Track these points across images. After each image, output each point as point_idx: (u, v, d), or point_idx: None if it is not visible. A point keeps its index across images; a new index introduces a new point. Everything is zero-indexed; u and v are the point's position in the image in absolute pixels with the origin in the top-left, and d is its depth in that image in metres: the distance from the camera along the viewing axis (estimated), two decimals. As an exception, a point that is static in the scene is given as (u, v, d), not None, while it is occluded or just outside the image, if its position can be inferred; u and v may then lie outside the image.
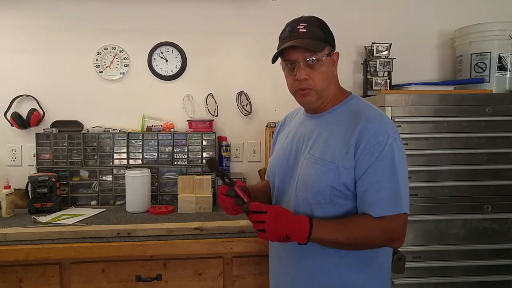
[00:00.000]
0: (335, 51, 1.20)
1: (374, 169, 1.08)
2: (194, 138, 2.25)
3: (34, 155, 2.21)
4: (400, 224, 1.09)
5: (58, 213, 1.97)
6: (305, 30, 1.14)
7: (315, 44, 1.13)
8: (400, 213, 1.08)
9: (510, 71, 2.13)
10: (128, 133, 2.22)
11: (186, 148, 2.24)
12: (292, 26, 1.17)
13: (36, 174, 2.06)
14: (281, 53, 1.17)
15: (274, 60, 1.19)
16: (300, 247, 1.09)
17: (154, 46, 2.33)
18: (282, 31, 1.19)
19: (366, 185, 1.09)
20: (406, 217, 1.10)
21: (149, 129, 2.25)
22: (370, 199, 1.08)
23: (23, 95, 2.27)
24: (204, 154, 2.25)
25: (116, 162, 2.21)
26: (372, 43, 2.28)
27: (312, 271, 1.17)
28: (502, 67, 2.13)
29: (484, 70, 2.16)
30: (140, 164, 2.21)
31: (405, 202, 1.09)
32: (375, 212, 1.07)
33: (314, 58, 1.13)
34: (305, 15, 1.20)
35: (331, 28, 1.21)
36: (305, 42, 1.13)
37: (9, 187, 1.95)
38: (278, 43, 1.20)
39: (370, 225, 1.08)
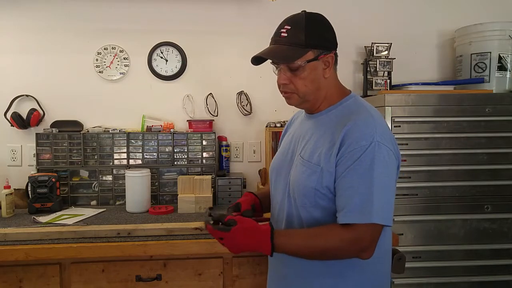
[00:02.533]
0: (331, 52, 1.14)
1: (350, 173, 1.03)
2: (194, 138, 2.25)
3: (34, 155, 2.21)
4: (369, 234, 1.02)
5: (58, 213, 1.97)
6: (286, 35, 1.11)
7: (289, 52, 1.10)
8: (369, 222, 1.01)
9: (510, 71, 2.13)
10: (128, 133, 2.22)
11: (186, 148, 2.24)
12: (279, 27, 1.15)
13: (36, 174, 2.06)
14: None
15: (253, 63, 1.17)
16: None
17: (154, 46, 2.33)
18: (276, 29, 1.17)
19: (341, 189, 1.05)
20: (378, 228, 1.03)
21: (149, 129, 2.25)
22: (341, 204, 1.04)
23: (23, 95, 2.27)
24: (204, 154, 2.25)
25: (116, 162, 2.21)
26: (372, 43, 2.28)
27: (303, 272, 1.16)
28: (502, 67, 2.13)
29: (484, 70, 2.16)
30: (140, 164, 2.21)
31: (378, 211, 1.01)
32: (344, 218, 1.03)
33: (290, 66, 1.11)
34: (302, 11, 1.16)
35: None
36: (277, 51, 1.11)
37: (9, 187, 1.95)
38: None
39: (338, 235, 1.03)
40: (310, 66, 1.12)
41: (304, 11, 1.15)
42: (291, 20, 1.14)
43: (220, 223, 1.07)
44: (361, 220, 1.01)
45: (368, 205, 1.01)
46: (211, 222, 1.08)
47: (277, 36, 1.14)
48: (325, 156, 1.08)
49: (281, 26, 1.15)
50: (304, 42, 1.10)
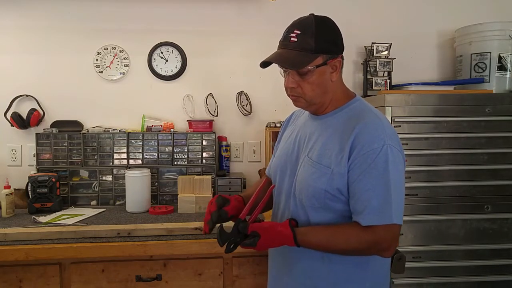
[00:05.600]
0: (339, 55, 1.16)
1: (366, 177, 1.05)
2: (194, 138, 2.25)
3: (34, 155, 2.21)
4: (389, 235, 1.05)
5: (58, 213, 1.97)
6: (296, 40, 1.10)
7: (299, 58, 1.10)
8: (390, 223, 1.04)
9: (510, 71, 2.13)
10: (128, 133, 2.22)
11: (186, 148, 2.24)
12: (287, 31, 1.14)
13: (36, 174, 2.06)
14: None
15: (262, 66, 1.18)
16: (297, 249, 1.10)
17: (154, 46, 2.33)
18: (283, 32, 1.16)
19: (358, 192, 1.06)
20: (398, 228, 1.06)
21: (149, 129, 2.25)
22: (360, 207, 1.06)
23: (23, 95, 2.27)
24: (204, 154, 2.25)
25: (116, 162, 2.21)
26: (372, 43, 2.28)
27: (308, 273, 1.16)
28: (502, 67, 2.13)
29: (484, 70, 2.16)
30: (140, 164, 2.21)
31: (396, 212, 1.05)
32: (364, 221, 1.05)
33: (299, 70, 1.11)
34: (310, 14, 1.15)
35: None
36: (287, 56, 1.11)
37: (9, 187, 1.95)
38: (278, 43, 1.18)
39: (358, 235, 1.05)
40: (319, 71, 1.12)
41: (313, 14, 1.15)
42: (301, 25, 1.13)
43: (238, 229, 1.11)
44: (382, 221, 1.04)
45: (387, 207, 1.04)
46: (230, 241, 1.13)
47: (286, 40, 1.13)
48: (335, 158, 1.10)
49: (290, 30, 1.13)
50: (314, 47, 1.10)
